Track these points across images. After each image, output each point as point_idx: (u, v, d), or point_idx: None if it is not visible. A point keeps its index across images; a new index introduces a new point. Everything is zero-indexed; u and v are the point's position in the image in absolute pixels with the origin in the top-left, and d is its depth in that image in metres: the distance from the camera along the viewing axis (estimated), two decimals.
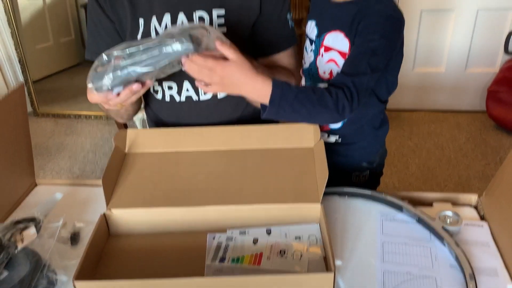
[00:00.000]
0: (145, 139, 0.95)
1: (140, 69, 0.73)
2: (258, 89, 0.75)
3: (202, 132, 0.93)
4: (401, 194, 0.90)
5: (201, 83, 0.77)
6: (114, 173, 0.87)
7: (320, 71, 0.93)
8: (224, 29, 0.91)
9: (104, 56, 0.74)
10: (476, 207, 0.88)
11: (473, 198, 0.89)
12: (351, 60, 0.81)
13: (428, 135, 2.41)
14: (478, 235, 0.80)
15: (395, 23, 0.81)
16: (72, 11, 3.32)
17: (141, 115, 1.88)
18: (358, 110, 0.80)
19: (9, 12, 2.60)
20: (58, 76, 3.24)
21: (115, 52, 0.73)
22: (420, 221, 0.82)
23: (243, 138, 0.94)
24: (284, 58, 1.00)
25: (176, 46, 0.72)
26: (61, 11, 3.25)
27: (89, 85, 0.76)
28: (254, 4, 0.92)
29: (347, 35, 0.85)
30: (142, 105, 1.82)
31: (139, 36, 0.92)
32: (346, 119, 0.92)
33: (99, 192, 0.80)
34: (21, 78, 2.80)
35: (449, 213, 0.81)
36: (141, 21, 0.91)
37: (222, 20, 0.91)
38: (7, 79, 2.75)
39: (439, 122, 2.52)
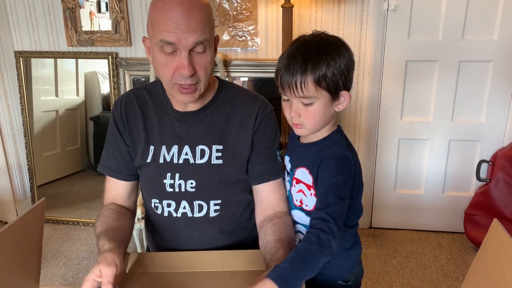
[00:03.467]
0: (144, 261, 1.06)
1: None
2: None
3: (192, 256, 1.06)
4: None
5: None
6: None
7: (294, 199, 1.11)
8: (221, 161, 1.10)
9: None
10: None
11: None
12: (320, 197, 0.98)
13: (411, 254, 2.51)
14: None
15: (347, 161, 0.99)
16: (81, 122, 3.59)
17: (139, 225, 2.01)
18: None
19: (26, 124, 2.86)
20: (60, 182, 3.38)
21: None
22: None
23: (226, 261, 1.06)
24: (271, 186, 1.14)
25: None
26: (71, 122, 3.51)
27: None
28: (246, 142, 1.11)
29: (310, 172, 1.03)
30: (140, 216, 1.96)
31: (148, 159, 1.11)
32: None
33: None
34: (27, 184, 2.96)
35: None
36: (152, 148, 1.11)
37: (219, 154, 1.10)
38: (13, 185, 2.91)
39: (421, 241, 2.63)
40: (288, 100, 1.00)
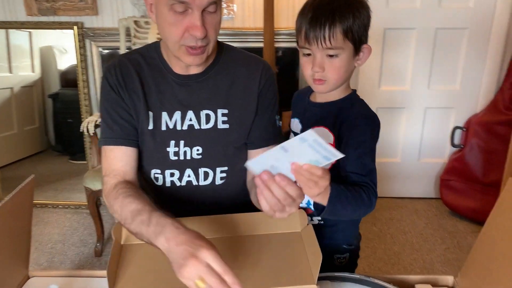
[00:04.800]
0: None
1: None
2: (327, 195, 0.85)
3: (196, 221, 1.00)
4: (386, 277, 0.98)
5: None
6: (115, 265, 0.91)
7: None
8: (227, 125, 1.04)
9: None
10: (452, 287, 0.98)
11: (449, 279, 0.99)
12: (357, 161, 0.96)
13: (390, 220, 2.56)
14: None
15: (377, 121, 0.99)
16: (38, 100, 3.39)
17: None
18: None
19: None
20: (20, 164, 3.20)
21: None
22: None
23: (234, 226, 1.02)
24: None
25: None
26: (28, 100, 3.30)
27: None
28: (252, 106, 1.06)
29: (332, 131, 1.01)
30: None
31: (150, 126, 1.03)
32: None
33: (96, 283, 0.82)
34: None
35: None
36: (151, 114, 1.03)
37: (225, 118, 1.04)
38: None
39: (399, 208, 2.69)
40: (309, 54, 0.98)
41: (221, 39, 1.05)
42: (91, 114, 2.54)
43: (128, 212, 0.88)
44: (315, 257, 0.88)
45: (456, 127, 2.60)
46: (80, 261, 2.20)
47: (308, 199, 1.08)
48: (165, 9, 0.89)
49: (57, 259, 2.20)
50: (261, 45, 2.17)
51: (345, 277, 0.98)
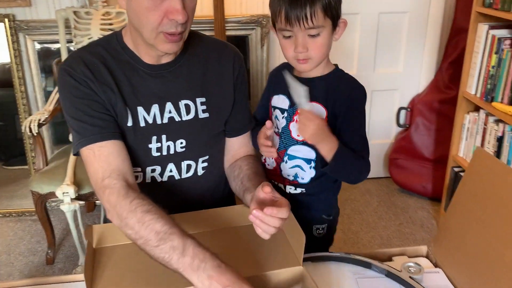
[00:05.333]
0: (113, 232, 0.93)
1: None
2: (331, 144, 0.97)
3: (178, 218, 0.96)
4: (364, 252, 1.00)
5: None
6: (91, 269, 0.86)
7: (293, 134, 1.07)
8: (207, 114, 1.00)
9: None
10: (427, 257, 1.01)
11: (423, 249, 1.03)
12: (354, 134, 1.03)
13: (345, 201, 2.63)
14: (437, 281, 0.92)
15: (364, 91, 1.04)
16: None
17: (73, 206, 1.80)
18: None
19: None
20: None
21: None
22: (389, 274, 0.92)
23: (216, 220, 1.01)
24: (244, 139, 1.10)
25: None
26: None
27: None
28: (229, 93, 1.04)
29: (324, 105, 1.03)
30: (73, 196, 1.76)
31: (129, 123, 0.95)
32: (314, 175, 1.08)
33: None
34: None
35: (411, 264, 0.93)
36: (128, 109, 0.95)
37: (204, 107, 1.00)
38: None
39: (351, 189, 2.77)
40: (290, 37, 0.98)
41: None
42: (29, 114, 2.36)
43: (152, 232, 0.79)
44: (297, 239, 0.88)
45: (401, 108, 2.71)
46: (31, 271, 2.06)
47: (295, 172, 1.09)
48: None
49: (3, 271, 2.04)
50: (211, 33, 2.12)
51: (326, 256, 0.99)
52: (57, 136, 2.52)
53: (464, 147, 2.11)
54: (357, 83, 1.05)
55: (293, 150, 1.08)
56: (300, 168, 1.09)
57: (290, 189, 1.11)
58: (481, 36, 1.85)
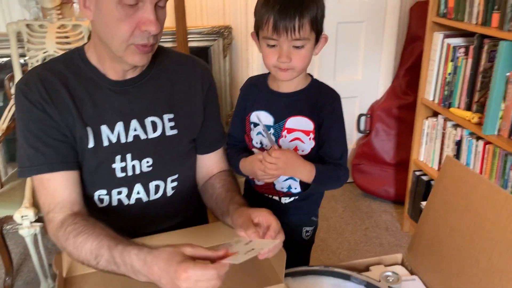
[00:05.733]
0: None
1: None
2: (307, 171, 1.01)
3: (152, 240, 0.93)
4: (341, 264, 1.01)
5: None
6: None
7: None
8: (176, 131, 0.97)
9: None
10: (402, 264, 1.03)
11: (398, 257, 1.05)
12: (334, 146, 1.07)
13: None
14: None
15: (339, 98, 1.08)
16: None
17: (32, 230, 1.71)
18: None
19: None
20: None
21: None
22: (368, 285, 0.93)
23: (191, 239, 0.98)
24: (217, 155, 1.08)
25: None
26: None
27: None
28: (198, 109, 1.01)
29: (310, 118, 1.05)
30: (33, 219, 1.67)
31: (90, 144, 0.91)
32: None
33: None
34: None
35: (389, 273, 0.94)
36: (89, 129, 0.91)
37: (172, 123, 0.98)
38: None
39: None
40: (274, 46, 0.99)
41: None
42: None
43: (86, 253, 0.80)
44: (279, 256, 0.87)
45: (361, 114, 2.78)
46: None
47: (289, 184, 1.11)
48: (112, 3, 0.80)
49: None
50: (173, 45, 2.09)
51: (306, 271, 0.99)
52: (11, 153, 2.39)
53: (424, 152, 2.18)
54: (334, 93, 1.09)
55: None
56: (292, 179, 1.11)
57: (285, 200, 1.14)
58: (437, 45, 1.93)
